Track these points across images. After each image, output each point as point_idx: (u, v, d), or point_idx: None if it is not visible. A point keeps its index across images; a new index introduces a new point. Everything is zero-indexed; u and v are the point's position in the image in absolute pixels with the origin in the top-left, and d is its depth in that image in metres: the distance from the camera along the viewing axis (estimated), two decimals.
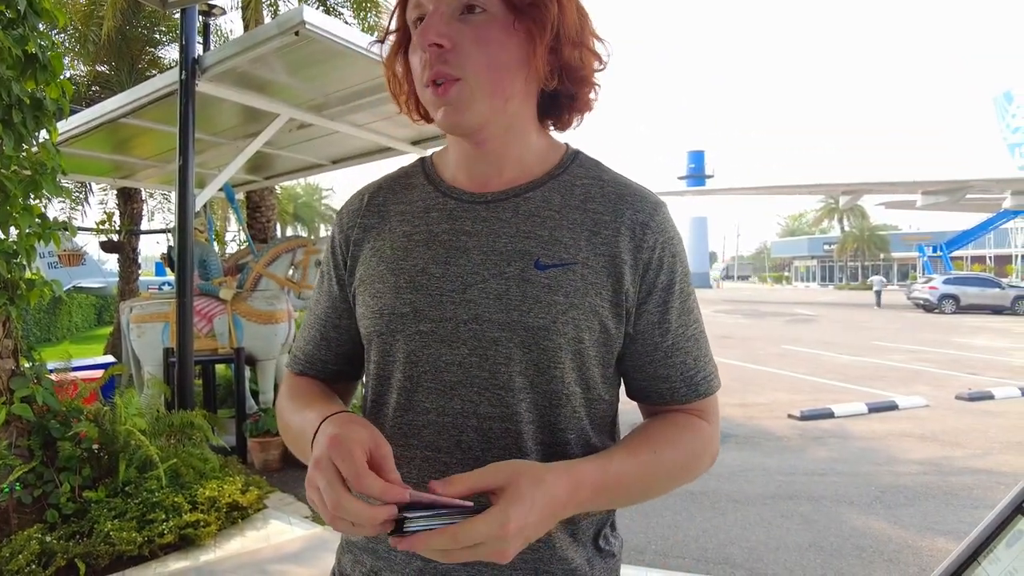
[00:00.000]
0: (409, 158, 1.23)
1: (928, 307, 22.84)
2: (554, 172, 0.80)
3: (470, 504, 0.58)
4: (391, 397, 0.77)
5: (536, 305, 0.71)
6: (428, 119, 0.79)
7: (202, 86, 4.10)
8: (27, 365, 3.27)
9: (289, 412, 0.82)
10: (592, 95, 0.80)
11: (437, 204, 0.80)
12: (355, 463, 0.58)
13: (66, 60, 8.35)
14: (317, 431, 0.66)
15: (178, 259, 4.35)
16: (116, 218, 8.98)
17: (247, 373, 5.23)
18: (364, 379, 0.87)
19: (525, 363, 0.72)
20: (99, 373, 4.57)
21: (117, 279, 9.67)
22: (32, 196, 3.05)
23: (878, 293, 26.69)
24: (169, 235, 9.55)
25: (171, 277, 8.57)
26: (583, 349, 0.74)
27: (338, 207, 1.46)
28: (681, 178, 67.75)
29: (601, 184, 0.79)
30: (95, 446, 3.28)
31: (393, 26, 0.79)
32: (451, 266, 0.74)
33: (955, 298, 22.32)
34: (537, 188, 0.78)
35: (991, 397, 7.25)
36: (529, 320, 0.71)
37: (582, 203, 0.77)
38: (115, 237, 8.88)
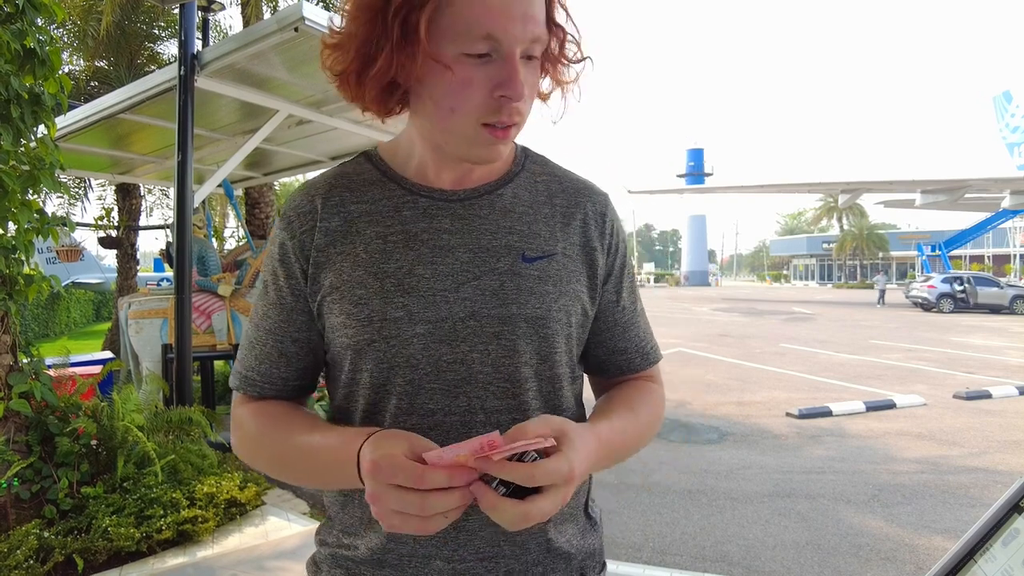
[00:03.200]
0: None
1: (926, 306, 22.89)
2: (515, 169, 0.84)
3: (550, 441, 0.60)
4: (390, 403, 0.74)
5: (531, 297, 0.76)
6: (381, 111, 0.76)
7: (201, 82, 4.10)
8: (25, 361, 3.26)
9: (279, 440, 0.76)
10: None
11: (408, 202, 0.78)
12: (407, 471, 0.58)
13: (65, 55, 8.34)
14: (359, 459, 0.64)
15: (176, 255, 4.35)
16: (114, 214, 8.97)
17: None
18: (335, 389, 0.81)
19: (529, 353, 0.76)
20: (97, 369, 4.57)
21: (115, 275, 9.66)
22: (30, 191, 3.05)
23: (881, 292, 26.85)
24: (168, 231, 9.57)
25: (169, 273, 8.56)
26: (571, 333, 0.80)
27: None
28: (680, 176, 67.72)
29: (559, 179, 0.86)
30: (93, 442, 3.28)
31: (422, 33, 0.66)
32: (439, 265, 0.75)
33: (953, 297, 22.37)
34: (506, 185, 0.81)
35: (988, 396, 7.27)
36: (527, 312, 0.75)
37: (548, 198, 0.83)
38: (113, 233, 8.87)
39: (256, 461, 0.80)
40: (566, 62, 0.76)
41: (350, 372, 0.77)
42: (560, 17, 0.72)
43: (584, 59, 0.77)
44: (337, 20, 0.76)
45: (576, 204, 0.84)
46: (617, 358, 0.88)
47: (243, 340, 0.83)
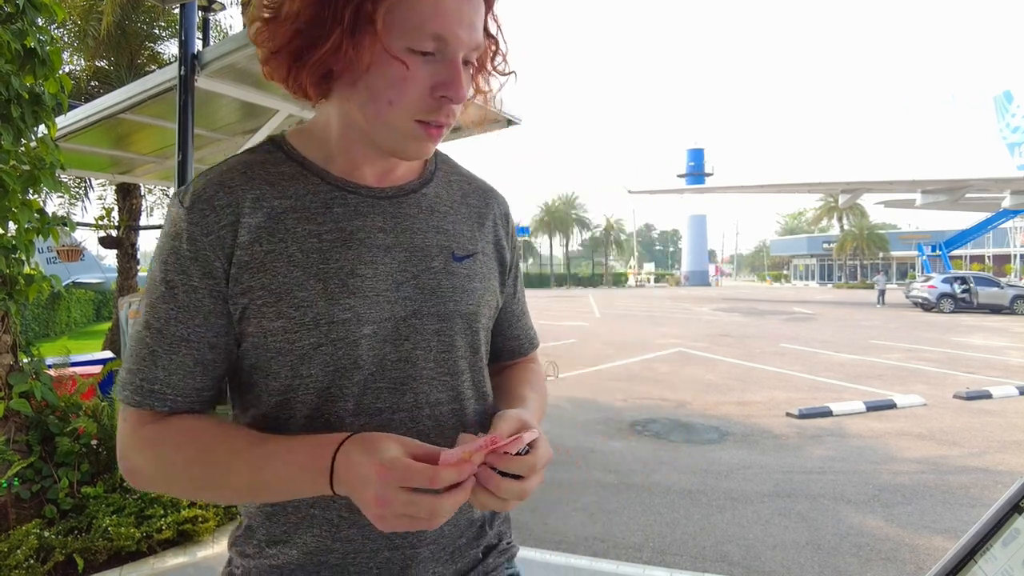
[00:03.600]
0: None
1: (927, 306, 22.88)
2: (431, 168, 0.86)
3: (536, 434, 0.68)
4: (336, 407, 0.72)
5: (464, 294, 0.80)
6: (314, 96, 0.73)
7: (201, 82, 4.09)
8: (26, 360, 3.26)
9: (219, 456, 0.69)
10: None
11: (336, 199, 0.75)
12: (420, 473, 0.59)
13: (65, 55, 8.33)
14: (335, 465, 0.63)
15: None
16: (115, 214, 8.97)
17: None
18: (255, 397, 0.76)
19: (463, 347, 0.81)
20: (98, 369, 4.57)
21: (116, 275, 9.66)
22: (31, 191, 3.04)
23: (881, 292, 26.89)
24: None
25: None
26: (488, 325, 0.87)
27: None
28: (680, 176, 67.72)
29: (467, 180, 0.91)
30: (94, 442, 3.28)
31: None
32: (379, 265, 0.74)
33: (954, 297, 22.36)
34: (428, 184, 0.84)
35: (989, 396, 7.27)
36: (463, 308, 0.80)
37: (463, 198, 0.87)
38: (114, 233, 8.87)
39: (175, 482, 0.74)
40: (493, 72, 0.78)
41: (288, 378, 0.72)
42: (492, 28, 0.75)
43: (510, 73, 0.80)
44: None
45: (487, 205, 0.90)
46: (511, 344, 0.97)
47: (137, 348, 0.72)
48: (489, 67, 0.77)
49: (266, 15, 0.70)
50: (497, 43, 0.76)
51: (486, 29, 0.73)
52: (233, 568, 0.82)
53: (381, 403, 0.74)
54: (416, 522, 0.60)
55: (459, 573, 0.81)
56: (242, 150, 0.80)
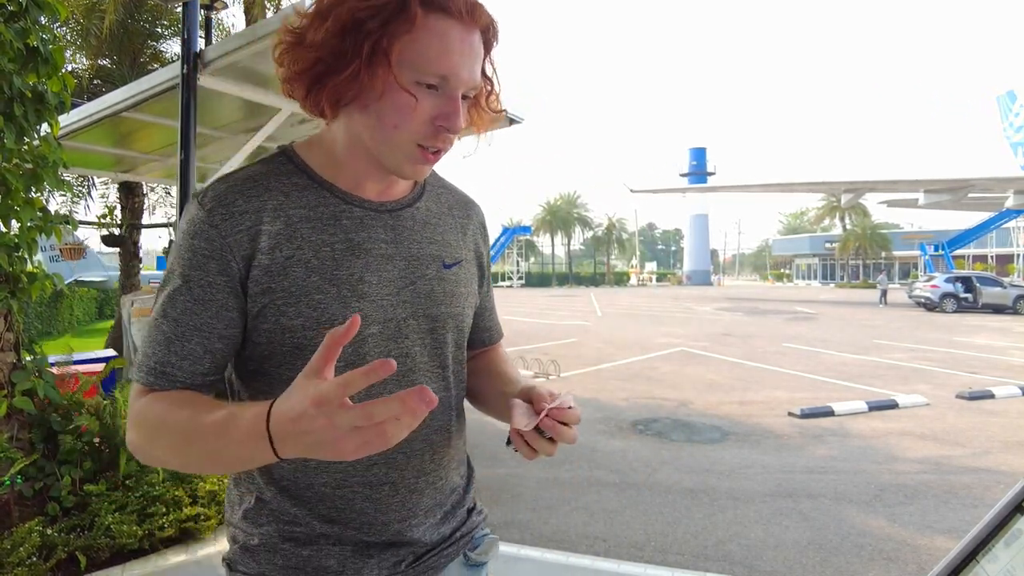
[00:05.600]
0: None
1: (929, 306, 22.85)
2: (422, 183, 0.97)
3: (568, 395, 0.83)
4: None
5: (453, 298, 0.93)
6: (330, 115, 0.81)
7: (204, 80, 4.10)
8: (28, 358, 3.27)
9: (183, 420, 0.73)
10: None
11: (344, 212, 0.85)
12: (334, 384, 0.58)
13: (68, 54, 8.35)
14: (271, 425, 0.62)
15: None
16: (117, 212, 8.98)
17: None
18: (264, 385, 0.83)
19: (451, 343, 0.93)
20: (100, 367, 4.57)
21: (118, 273, 9.68)
22: (33, 189, 3.05)
23: (883, 292, 26.88)
24: (170, 229, 9.56)
25: None
26: (469, 323, 1.00)
27: None
28: (683, 175, 67.64)
29: (450, 192, 1.02)
30: (96, 440, 3.29)
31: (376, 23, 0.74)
32: (383, 272, 0.85)
33: (956, 297, 22.32)
34: (420, 199, 0.95)
35: (991, 396, 7.26)
36: (453, 310, 0.92)
37: (448, 210, 0.99)
38: (116, 231, 8.88)
39: (155, 449, 0.78)
40: (486, 109, 0.88)
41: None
42: (488, 71, 0.84)
43: (500, 111, 0.91)
44: (293, 6, 0.79)
45: (467, 216, 1.02)
46: (483, 335, 1.09)
47: (153, 334, 0.79)
48: (483, 103, 0.87)
49: (290, 39, 0.79)
50: (492, 84, 0.86)
51: (483, 71, 0.83)
52: (248, 538, 0.88)
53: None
54: (366, 436, 0.58)
55: (452, 530, 0.96)
56: (257, 160, 0.87)
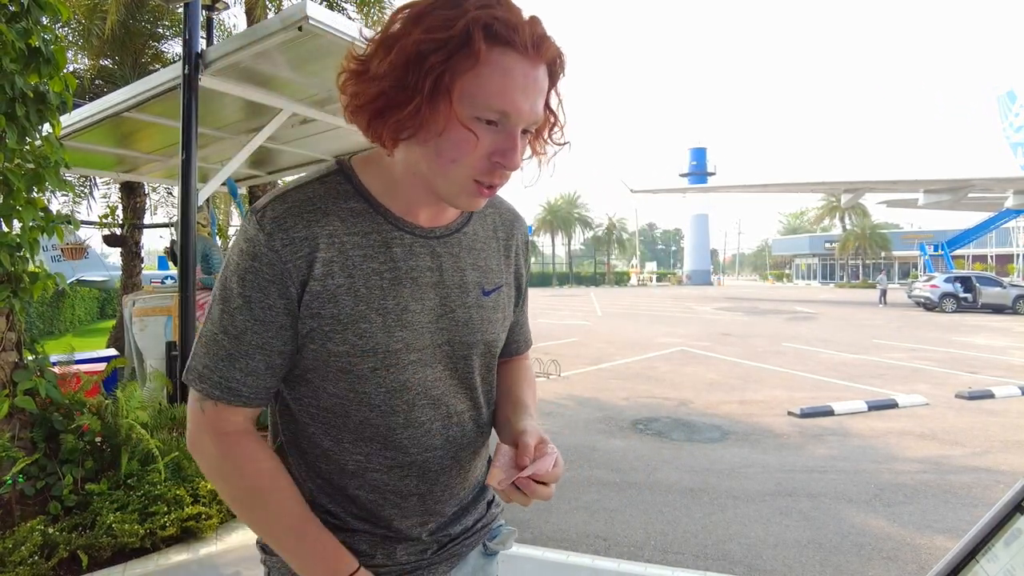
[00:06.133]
0: None
1: (929, 305, 22.84)
2: None
3: (555, 450, 0.87)
4: (389, 419, 0.87)
5: (489, 325, 0.95)
6: (391, 146, 0.81)
7: (205, 80, 4.10)
8: (30, 358, 3.28)
9: (274, 504, 0.84)
10: None
11: (395, 239, 0.86)
12: None
13: (69, 54, 8.35)
14: None
15: (181, 253, 4.36)
16: (119, 212, 8.97)
17: None
18: (312, 395, 0.88)
19: (480, 366, 0.96)
20: (102, 366, 4.58)
21: (120, 273, 9.68)
22: (35, 190, 3.05)
23: (883, 291, 26.88)
24: (172, 229, 9.57)
25: (174, 271, 8.57)
26: (501, 346, 1.01)
27: None
28: (683, 175, 67.60)
29: (498, 211, 1.02)
30: (97, 439, 3.29)
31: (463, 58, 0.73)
32: (426, 301, 0.87)
33: (956, 297, 22.31)
34: (468, 224, 0.96)
35: (991, 396, 7.26)
36: (487, 337, 0.94)
37: (494, 232, 1.00)
38: (118, 231, 8.88)
39: (222, 490, 0.87)
40: (548, 142, 0.87)
41: (344, 392, 0.85)
42: (553, 103, 0.83)
43: (565, 143, 0.88)
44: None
45: (511, 235, 1.02)
46: (511, 346, 1.10)
47: (214, 349, 0.83)
48: (546, 135, 0.85)
49: (354, 67, 0.79)
50: (556, 117, 0.84)
51: (547, 103, 0.81)
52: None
53: (424, 416, 0.89)
54: None
55: (474, 522, 1.02)
56: (316, 177, 0.87)
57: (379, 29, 0.81)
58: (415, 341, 0.86)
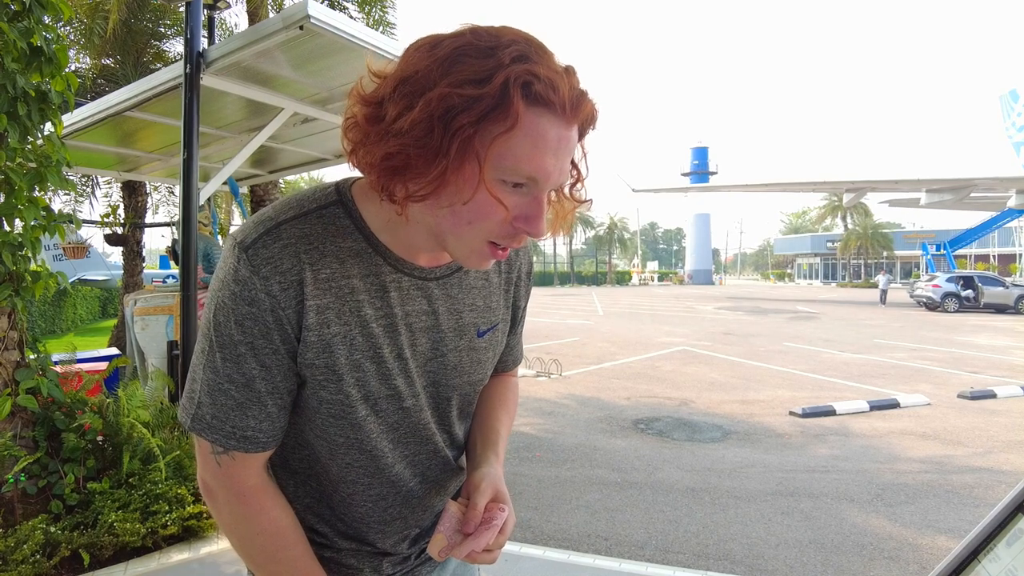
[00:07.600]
0: None
1: (931, 305, 22.80)
2: None
3: (505, 511, 0.84)
4: (380, 461, 0.87)
5: (478, 366, 0.94)
6: (402, 205, 0.72)
7: (206, 80, 4.10)
8: (32, 357, 3.28)
9: (266, 553, 0.82)
10: None
11: (393, 283, 0.82)
12: None
13: (71, 53, 8.36)
14: None
15: (182, 252, 4.36)
16: (120, 211, 8.99)
17: None
18: (303, 426, 0.86)
19: (459, 401, 0.95)
20: (103, 365, 4.59)
21: (121, 272, 9.69)
22: (37, 188, 3.06)
23: (883, 291, 26.85)
24: (173, 228, 9.59)
25: (175, 270, 8.58)
26: (485, 383, 1.00)
27: None
28: (684, 174, 67.56)
29: None
30: (99, 438, 3.30)
31: (503, 117, 0.65)
32: (417, 347, 0.85)
33: (958, 296, 22.28)
34: None
35: (993, 396, 7.25)
36: (473, 378, 0.94)
37: (496, 264, 0.95)
38: (119, 230, 8.89)
39: (232, 539, 0.84)
40: (569, 199, 0.81)
41: (335, 434, 0.84)
42: (577, 157, 0.76)
43: (587, 200, 0.83)
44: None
45: (512, 267, 0.98)
46: (498, 365, 1.07)
47: (220, 398, 0.77)
48: (567, 191, 0.80)
49: (367, 112, 0.70)
50: (579, 172, 0.78)
51: (572, 159, 0.75)
52: None
53: (410, 451, 0.90)
54: None
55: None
56: (312, 208, 0.80)
57: (389, 61, 0.73)
58: (407, 389, 0.85)
